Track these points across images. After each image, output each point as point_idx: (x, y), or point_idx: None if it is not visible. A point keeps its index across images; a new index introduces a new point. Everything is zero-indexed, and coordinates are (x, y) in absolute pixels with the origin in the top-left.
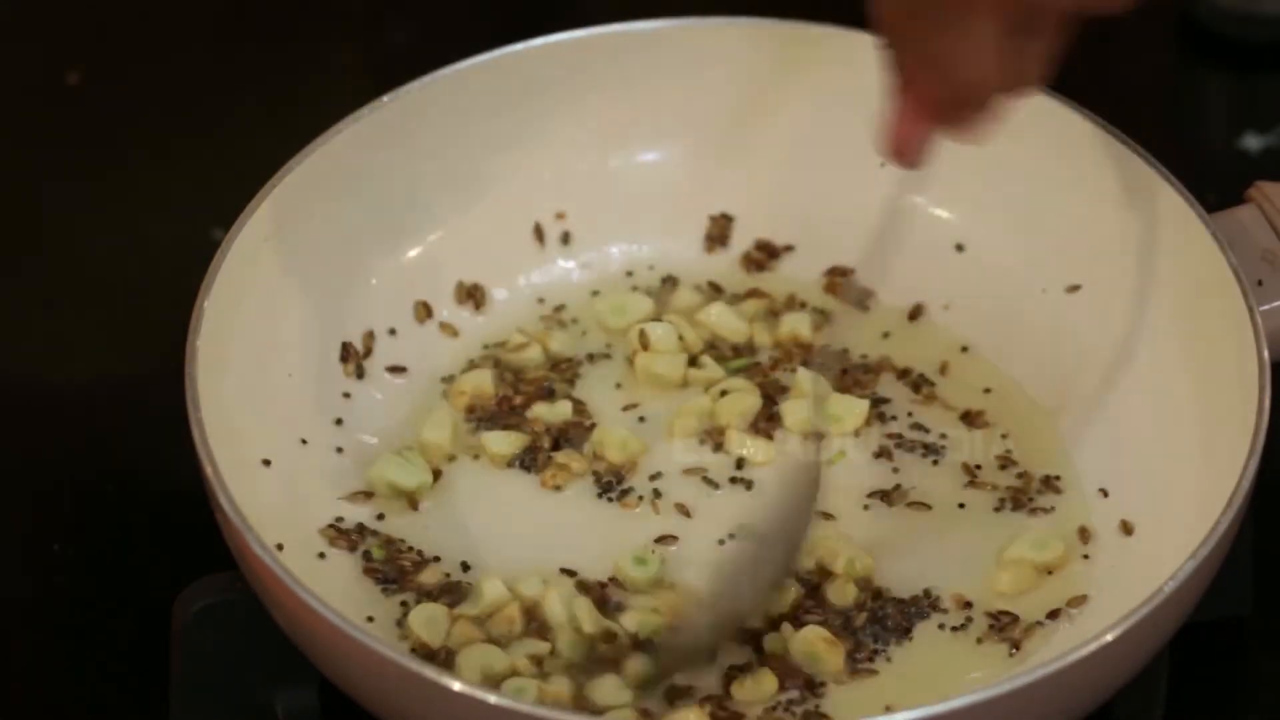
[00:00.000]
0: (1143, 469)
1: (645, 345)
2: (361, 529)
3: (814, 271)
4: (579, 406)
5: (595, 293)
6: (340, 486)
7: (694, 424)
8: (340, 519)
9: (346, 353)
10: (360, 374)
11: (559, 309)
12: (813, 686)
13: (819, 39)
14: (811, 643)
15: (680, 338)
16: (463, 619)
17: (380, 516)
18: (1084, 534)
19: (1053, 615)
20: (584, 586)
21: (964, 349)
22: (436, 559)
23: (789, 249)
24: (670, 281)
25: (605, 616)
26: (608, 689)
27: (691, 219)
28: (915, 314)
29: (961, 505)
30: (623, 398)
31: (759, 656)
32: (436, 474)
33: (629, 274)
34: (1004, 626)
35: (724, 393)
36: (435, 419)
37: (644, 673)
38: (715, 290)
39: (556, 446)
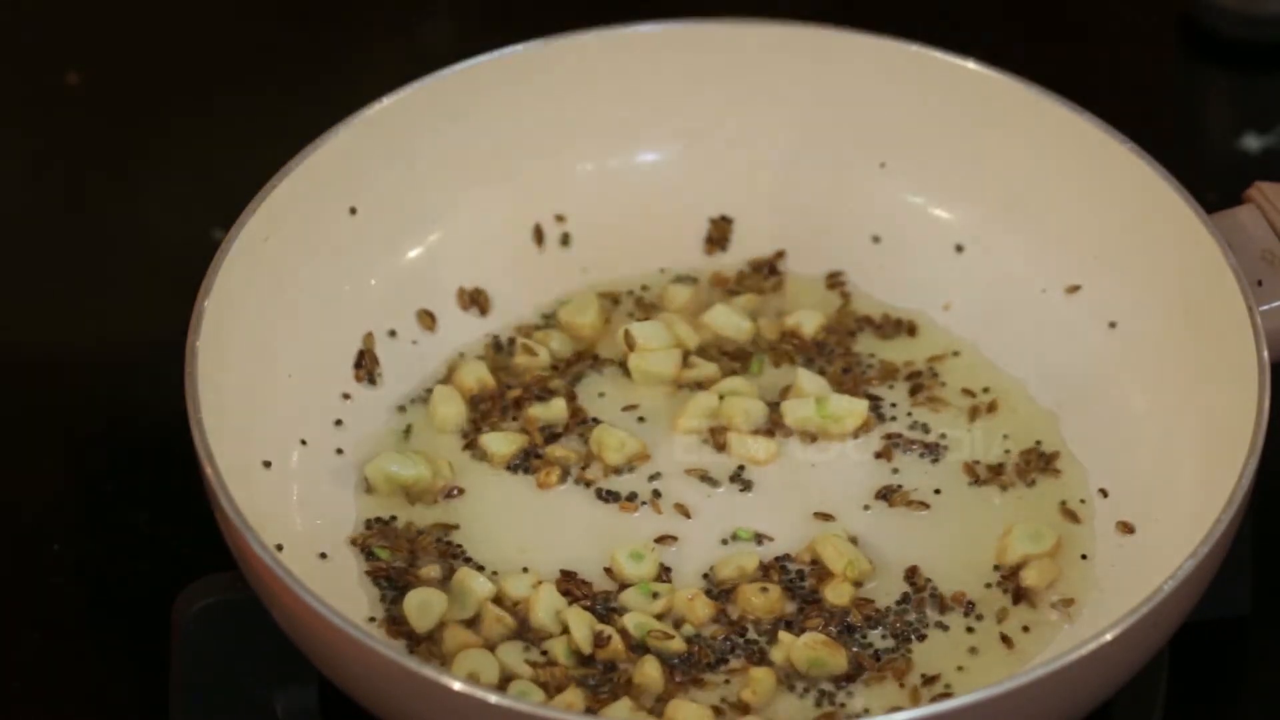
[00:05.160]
0: (1143, 469)
1: (631, 346)
2: (363, 528)
3: (814, 272)
4: (578, 408)
5: (581, 294)
6: (341, 487)
7: (697, 422)
8: (341, 519)
9: (361, 359)
10: (373, 380)
11: (558, 311)
12: (836, 682)
13: (819, 39)
14: (813, 648)
15: (676, 337)
16: (453, 624)
17: (381, 516)
18: (1069, 514)
19: (1053, 614)
20: (581, 587)
21: (963, 349)
22: (437, 559)
23: (786, 254)
24: (670, 283)
25: (603, 621)
26: (620, 711)
27: (691, 221)
28: (915, 314)
29: (961, 505)
30: (622, 398)
31: (759, 661)
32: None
33: (628, 276)
34: (1004, 625)
35: (721, 396)
36: (444, 394)
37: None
38: (715, 291)
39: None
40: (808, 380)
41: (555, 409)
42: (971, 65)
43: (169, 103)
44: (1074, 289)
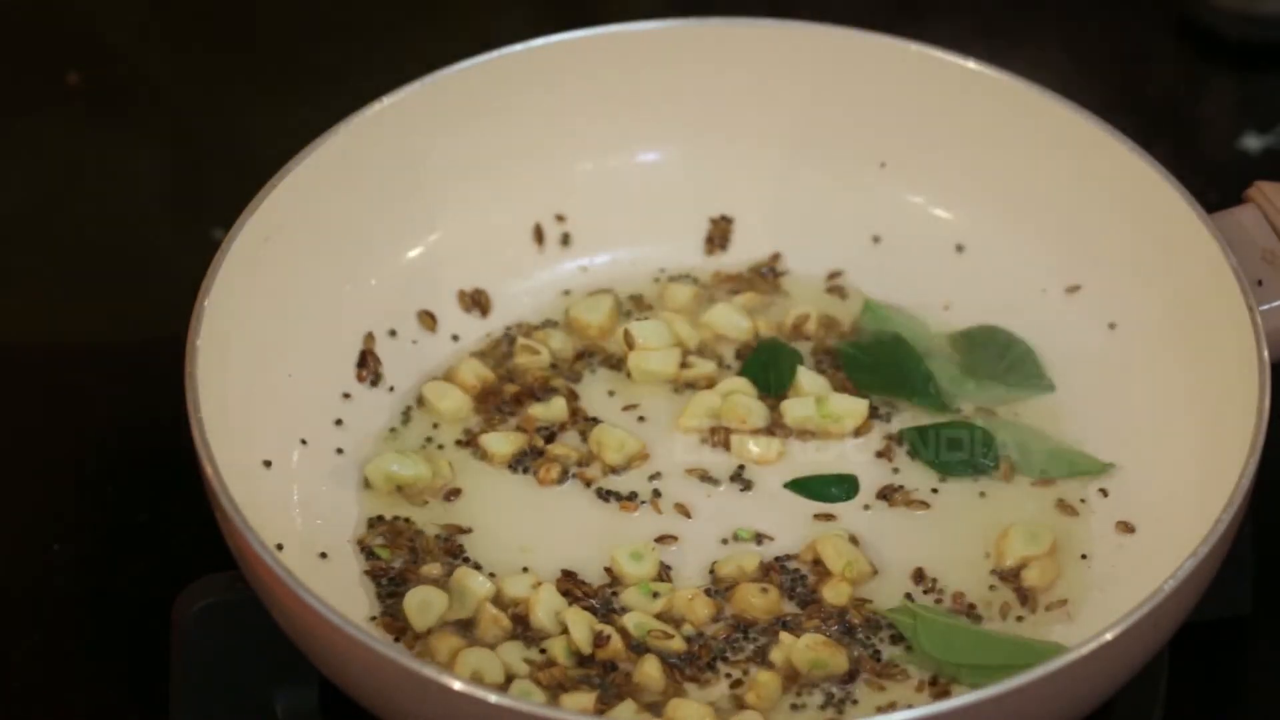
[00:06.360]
0: (1143, 469)
1: (631, 345)
2: (364, 528)
3: (814, 272)
4: (579, 407)
5: (595, 294)
6: (341, 487)
7: (699, 421)
8: (341, 519)
9: (364, 360)
10: (375, 381)
11: (558, 311)
12: (836, 682)
13: (819, 39)
14: (813, 649)
15: (676, 337)
16: (442, 627)
17: (382, 516)
18: (1069, 513)
19: (1053, 614)
20: (581, 587)
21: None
22: (437, 559)
23: (785, 254)
24: (670, 283)
25: (603, 621)
26: (624, 713)
27: (691, 221)
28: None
29: (961, 504)
30: (622, 399)
31: (759, 661)
32: (453, 490)
33: (629, 276)
34: (1005, 625)
35: (723, 396)
36: (441, 388)
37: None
38: (715, 291)
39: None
40: (808, 380)
41: (555, 408)
42: (971, 65)
43: (169, 103)
44: (1074, 289)
